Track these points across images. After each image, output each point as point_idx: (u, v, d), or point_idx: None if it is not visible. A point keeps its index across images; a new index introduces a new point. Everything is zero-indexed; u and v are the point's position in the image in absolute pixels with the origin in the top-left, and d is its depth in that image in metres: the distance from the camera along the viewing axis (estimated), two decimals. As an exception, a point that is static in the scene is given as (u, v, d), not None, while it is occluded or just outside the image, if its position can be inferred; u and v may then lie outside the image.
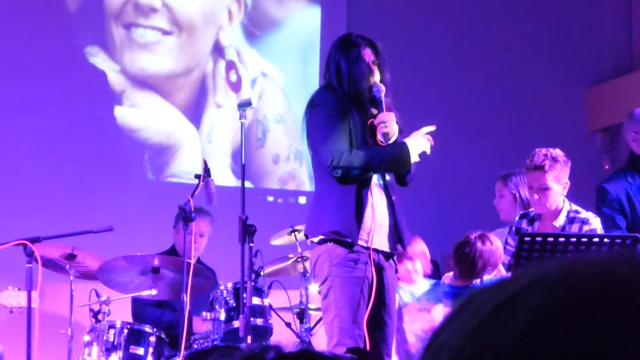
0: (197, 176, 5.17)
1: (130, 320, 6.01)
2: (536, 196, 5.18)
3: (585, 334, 0.68)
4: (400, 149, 4.50)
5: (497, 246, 5.12)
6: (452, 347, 0.72)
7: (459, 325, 0.73)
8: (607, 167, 8.64)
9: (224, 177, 7.77)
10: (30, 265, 5.23)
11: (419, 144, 4.55)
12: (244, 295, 4.85)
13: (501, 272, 5.23)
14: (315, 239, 4.51)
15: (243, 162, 5.03)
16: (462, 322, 0.73)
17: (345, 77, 4.57)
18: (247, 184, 5.37)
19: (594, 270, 0.72)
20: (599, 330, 0.68)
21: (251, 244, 4.88)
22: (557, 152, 5.18)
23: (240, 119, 5.04)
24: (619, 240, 4.76)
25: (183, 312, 5.04)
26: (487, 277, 5.08)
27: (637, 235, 4.85)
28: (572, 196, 5.25)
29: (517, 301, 0.71)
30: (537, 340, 0.69)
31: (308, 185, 8.15)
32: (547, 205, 5.17)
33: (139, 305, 6.23)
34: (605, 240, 4.78)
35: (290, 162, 8.24)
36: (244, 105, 5.08)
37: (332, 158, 4.43)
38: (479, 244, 5.06)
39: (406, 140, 4.55)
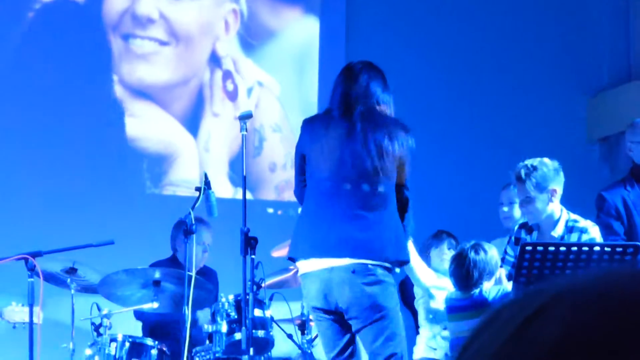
0: (198, 189, 5.16)
1: (131, 333, 6.00)
2: (523, 207, 5.18)
3: (618, 342, 0.68)
4: None
5: (491, 254, 5.11)
6: (485, 357, 0.72)
7: (489, 337, 0.73)
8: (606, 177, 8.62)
9: (222, 185, 7.75)
10: (31, 279, 5.23)
11: None
12: (246, 308, 4.85)
13: (502, 279, 5.23)
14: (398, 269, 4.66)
15: (244, 174, 5.02)
16: (493, 333, 0.73)
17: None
18: (246, 194, 5.37)
19: (623, 280, 0.72)
20: (632, 337, 0.68)
21: (253, 256, 4.88)
22: (544, 161, 5.12)
23: (241, 131, 5.03)
24: (620, 249, 4.76)
25: (184, 320, 5.04)
26: (486, 286, 5.07)
27: (637, 243, 4.86)
28: (571, 206, 5.24)
29: (549, 311, 0.71)
30: (572, 349, 0.69)
31: (305, 194, 8.14)
32: (535, 215, 5.14)
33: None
34: (606, 249, 4.78)
35: (287, 171, 8.24)
36: (245, 117, 5.08)
37: None
38: (472, 255, 5.05)
39: None
